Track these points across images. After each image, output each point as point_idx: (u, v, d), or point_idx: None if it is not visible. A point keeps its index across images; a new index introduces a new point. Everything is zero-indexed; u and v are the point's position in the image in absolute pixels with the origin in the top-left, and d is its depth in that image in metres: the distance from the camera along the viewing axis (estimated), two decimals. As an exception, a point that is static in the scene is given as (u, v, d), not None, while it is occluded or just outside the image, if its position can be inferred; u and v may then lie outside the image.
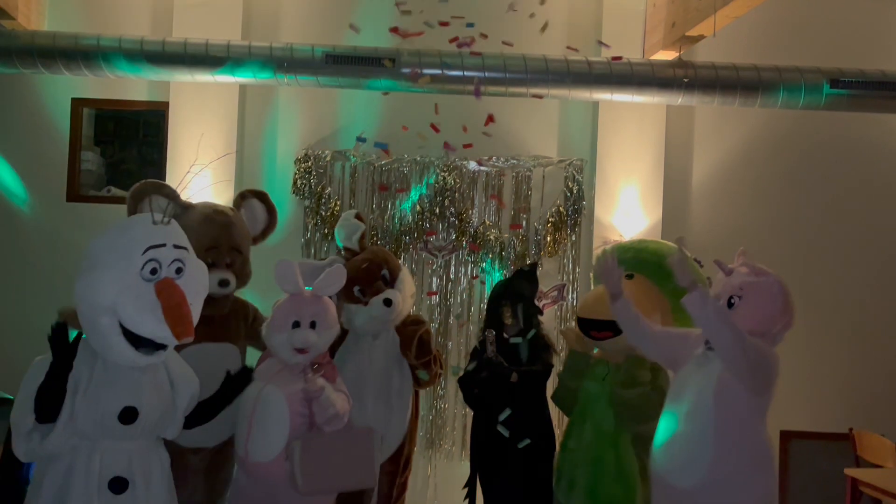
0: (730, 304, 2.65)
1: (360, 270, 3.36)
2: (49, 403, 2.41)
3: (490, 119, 4.00)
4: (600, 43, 4.50)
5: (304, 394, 2.85)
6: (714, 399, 2.59)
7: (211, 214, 3.28)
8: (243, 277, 3.37)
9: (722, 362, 2.58)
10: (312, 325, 2.96)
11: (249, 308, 3.48)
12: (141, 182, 3.22)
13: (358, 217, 3.61)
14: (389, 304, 3.31)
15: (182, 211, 3.22)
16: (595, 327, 3.28)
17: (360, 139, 4.14)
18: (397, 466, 3.51)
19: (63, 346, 2.39)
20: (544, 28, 4.01)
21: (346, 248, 3.56)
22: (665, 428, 2.73)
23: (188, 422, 2.73)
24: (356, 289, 3.34)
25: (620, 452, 3.17)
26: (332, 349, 3.35)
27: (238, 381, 2.88)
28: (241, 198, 3.55)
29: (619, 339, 3.16)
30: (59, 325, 2.41)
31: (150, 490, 2.54)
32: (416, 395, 3.61)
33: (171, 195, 3.19)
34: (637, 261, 3.35)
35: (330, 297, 3.09)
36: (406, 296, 3.45)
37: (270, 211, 3.57)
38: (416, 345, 3.40)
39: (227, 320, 3.33)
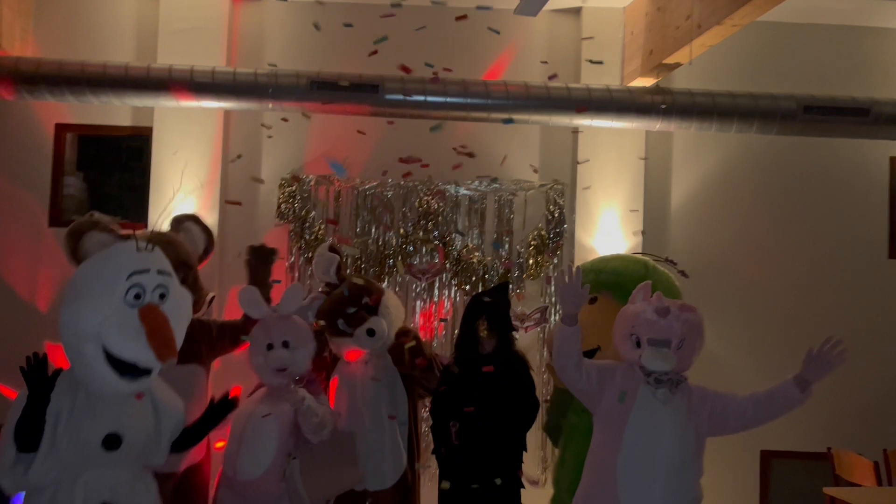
0: (681, 345, 2.71)
1: (338, 305, 3.37)
2: (28, 434, 2.39)
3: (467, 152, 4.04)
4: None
5: (289, 405, 2.97)
6: (694, 431, 2.75)
7: (151, 236, 3.32)
8: (196, 293, 3.34)
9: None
10: (285, 344, 3.06)
11: (211, 325, 3.47)
12: (75, 221, 3.14)
13: (332, 249, 3.62)
14: (373, 335, 3.34)
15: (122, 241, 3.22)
16: None
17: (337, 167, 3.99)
18: (407, 482, 3.47)
19: (40, 379, 2.36)
20: None
21: (326, 283, 3.57)
22: (640, 468, 2.70)
23: (175, 447, 2.73)
24: (340, 322, 3.35)
25: None
26: (327, 374, 3.40)
27: (222, 408, 2.84)
28: (177, 222, 3.55)
29: None
30: (40, 358, 2.36)
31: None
32: (414, 409, 3.58)
33: (107, 229, 3.17)
34: (598, 282, 3.36)
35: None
36: (392, 319, 3.47)
37: (207, 232, 3.57)
38: (408, 356, 3.44)
39: (191, 341, 3.32)
